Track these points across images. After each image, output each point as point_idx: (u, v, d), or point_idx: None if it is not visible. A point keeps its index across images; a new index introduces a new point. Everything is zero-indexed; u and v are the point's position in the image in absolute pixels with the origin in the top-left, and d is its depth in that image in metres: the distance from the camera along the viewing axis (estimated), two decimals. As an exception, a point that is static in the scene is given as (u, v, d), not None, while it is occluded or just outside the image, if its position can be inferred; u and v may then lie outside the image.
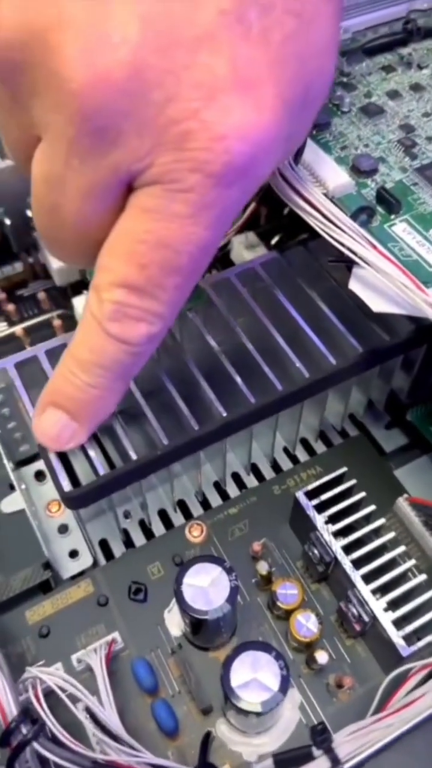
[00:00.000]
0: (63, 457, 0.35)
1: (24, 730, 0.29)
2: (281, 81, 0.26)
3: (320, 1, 0.28)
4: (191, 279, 0.29)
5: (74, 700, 0.31)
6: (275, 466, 0.43)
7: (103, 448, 0.39)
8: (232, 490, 0.42)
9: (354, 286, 0.33)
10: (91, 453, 0.34)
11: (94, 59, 0.24)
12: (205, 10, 0.25)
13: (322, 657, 0.33)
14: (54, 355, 0.37)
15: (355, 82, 0.44)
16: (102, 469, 0.33)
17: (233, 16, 0.25)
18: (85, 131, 0.25)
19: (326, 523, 0.35)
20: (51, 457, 0.33)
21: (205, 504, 0.42)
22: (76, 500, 0.33)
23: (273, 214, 0.53)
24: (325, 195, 0.37)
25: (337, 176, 0.37)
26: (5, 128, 0.29)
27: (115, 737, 0.30)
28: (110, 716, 0.31)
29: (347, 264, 0.34)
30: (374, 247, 0.33)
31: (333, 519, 0.35)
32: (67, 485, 0.32)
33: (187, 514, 0.42)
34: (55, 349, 0.37)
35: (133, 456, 0.33)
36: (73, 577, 0.38)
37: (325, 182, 0.37)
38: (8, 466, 0.38)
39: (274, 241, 0.51)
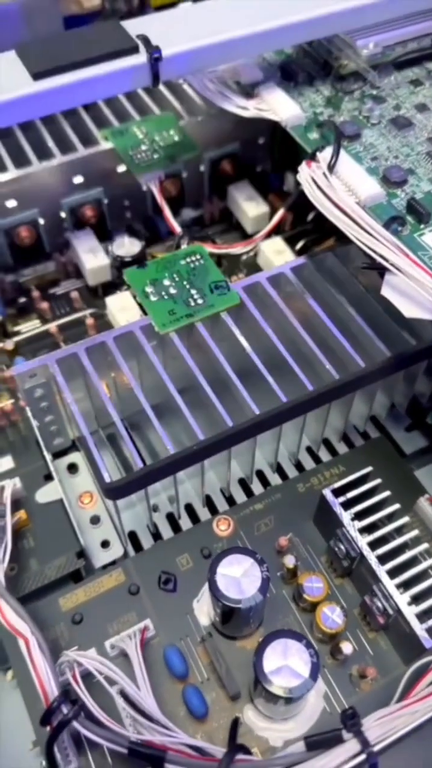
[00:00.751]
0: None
1: (65, 710, 0.31)
2: None
3: None
4: None
5: (109, 683, 0.32)
6: (298, 465, 0.45)
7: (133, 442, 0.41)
8: (256, 487, 0.44)
9: (386, 292, 0.35)
10: (129, 447, 0.35)
11: None
12: None
13: (347, 648, 0.35)
14: (93, 353, 0.38)
15: (384, 95, 0.46)
16: (140, 462, 0.34)
17: None
18: None
19: (352, 520, 0.36)
20: (92, 449, 0.35)
21: (230, 500, 0.43)
22: (115, 491, 0.34)
23: (298, 220, 0.54)
24: (357, 204, 0.38)
25: (368, 186, 0.39)
26: None
27: (150, 718, 0.31)
28: (146, 698, 0.32)
29: (379, 270, 0.36)
30: (406, 255, 0.35)
31: (357, 516, 0.37)
32: (108, 476, 0.34)
33: (213, 509, 0.43)
34: (94, 346, 0.38)
35: (171, 449, 0.35)
36: (105, 567, 0.40)
37: (357, 192, 0.39)
38: (48, 457, 0.39)
39: (298, 246, 0.52)
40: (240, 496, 0.44)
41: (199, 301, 0.40)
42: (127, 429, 0.37)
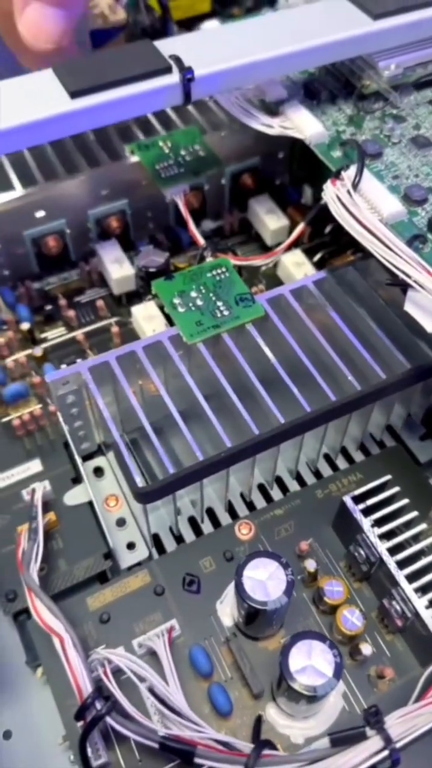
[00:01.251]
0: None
1: (98, 706, 0.32)
2: None
3: None
4: None
5: (138, 680, 0.34)
6: (316, 472, 0.46)
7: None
8: (275, 493, 0.45)
9: (409, 307, 0.36)
10: (160, 452, 0.36)
11: None
12: None
13: (366, 649, 0.36)
14: (123, 361, 0.40)
15: (405, 114, 0.47)
16: (171, 467, 0.36)
17: None
18: None
19: (372, 526, 0.38)
20: (124, 453, 0.36)
21: (249, 505, 0.44)
22: (146, 495, 0.36)
23: (316, 233, 0.56)
24: (380, 221, 0.39)
25: (390, 204, 0.40)
26: None
27: (180, 714, 0.33)
28: (175, 694, 0.33)
29: (402, 287, 0.37)
30: (428, 271, 0.36)
31: (377, 523, 0.38)
32: (140, 480, 0.35)
33: (233, 514, 0.44)
34: (125, 355, 0.40)
35: (200, 456, 0.36)
36: (130, 568, 0.41)
37: (379, 210, 0.40)
38: (78, 460, 0.41)
39: (316, 259, 0.54)
40: (260, 502, 0.45)
41: (225, 313, 0.41)
42: (156, 434, 0.38)
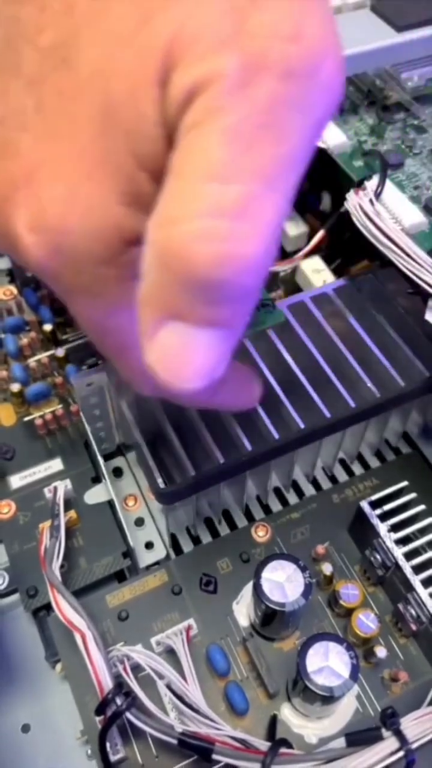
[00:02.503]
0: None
1: (118, 702, 0.33)
2: None
3: None
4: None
5: (157, 677, 0.34)
6: (332, 477, 0.47)
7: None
8: (291, 497, 0.46)
9: (430, 316, 0.37)
10: (181, 453, 0.37)
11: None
12: None
13: (381, 651, 0.37)
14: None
15: (426, 125, 0.48)
16: (191, 469, 0.36)
17: None
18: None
19: (388, 531, 0.38)
20: (146, 454, 0.37)
21: (266, 508, 0.45)
22: (168, 496, 0.36)
23: (334, 240, 0.56)
24: (401, 231, 0.40)
25: (412, 214, 0.41)
26: None
27: (198, 711, 0.33)
28: (194, 692, 0.34)
29: (423, 296, 0.38)
30: (449, 282, 0.37)
31: (393, 528, 0.39)
32: (161, 482, 0.36)
33: (249, 516, 0.45)
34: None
35: (220, 459, 0.37)
36: (148, 567, 0.42)
37: (401, 219, 0.41)
38: (100, 460, 0.42)
39: (334, 265, 0.54)
40: (276, 505, 0.45)
41: (246, 318, 0.42)
42: (178, 435, 0.39)
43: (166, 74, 0.21)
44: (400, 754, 0.30)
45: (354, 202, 0.41)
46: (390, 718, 0.31)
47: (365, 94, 0.50)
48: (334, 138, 0.46)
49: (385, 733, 0.31)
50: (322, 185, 0.58)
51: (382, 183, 0.41)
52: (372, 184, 0.41)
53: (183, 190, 0.21)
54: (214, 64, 0.20)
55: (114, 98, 0.22)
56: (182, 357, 0.22)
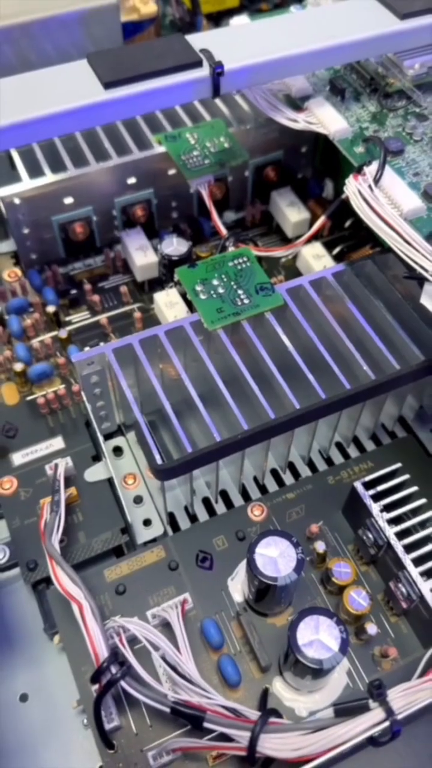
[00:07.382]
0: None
1: (113, 670, 0.33)
2: None
3: None
4: None
5: (152, 648, 0.35)
6: (328, 459, 0.47)
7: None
8: (287, 478, 0.47)
9: (425, 300, 0.37)
10: (179, 431, 0.38)
11: None
12: None
13: (371, 628, 0.37)
14: (145, 344, 0.41)
15: (427, 113, 0.48)
16: (189, 447, 0.37)
17: None
18: None
19: (381, 511, 0.39)
20: (145, 432, 0.37)
21: (262, 488, 0.46)
22: (166, 472, 0.37)
23: (335, 226, 0.57)
24: (400, 216, 0.40)
25: (410, 200, 0.41)
26: None
27: (191, 681, 0.34)
28: (188, 663, 0.35)
29: (419, 280, 0.38)
30: (445, 267, 0.37)
31: (386, 508, 0.39)
32: (159, 458, 0.37)
33: (246, 496, 0.46)
34: (147, 338, 0.41)
35: (217, 437, 0.37)
36: (146, 543, 0.43)
37: (399, 205, 0.41)
38: (101, 438, 0.42)
39: (335, 251, 0.55)
40: (272, 486, 0.46)
41: (246, 301, 0.43)
42: (175, 415, 0.40)
43: None
44: (386, 724, 0.31)
45: (353, 187, 0.41)
46: (377, 689, 0.32)
47: (367, 82, 0.50)
48: (336, 124, 0.47)
49: (371, 704, 0.32)
50: (325, 173, 0.59)
51: (381, 169, 0.42)
52: (371, 169, 0.42)
53: None
54: None
55: None
56: None
